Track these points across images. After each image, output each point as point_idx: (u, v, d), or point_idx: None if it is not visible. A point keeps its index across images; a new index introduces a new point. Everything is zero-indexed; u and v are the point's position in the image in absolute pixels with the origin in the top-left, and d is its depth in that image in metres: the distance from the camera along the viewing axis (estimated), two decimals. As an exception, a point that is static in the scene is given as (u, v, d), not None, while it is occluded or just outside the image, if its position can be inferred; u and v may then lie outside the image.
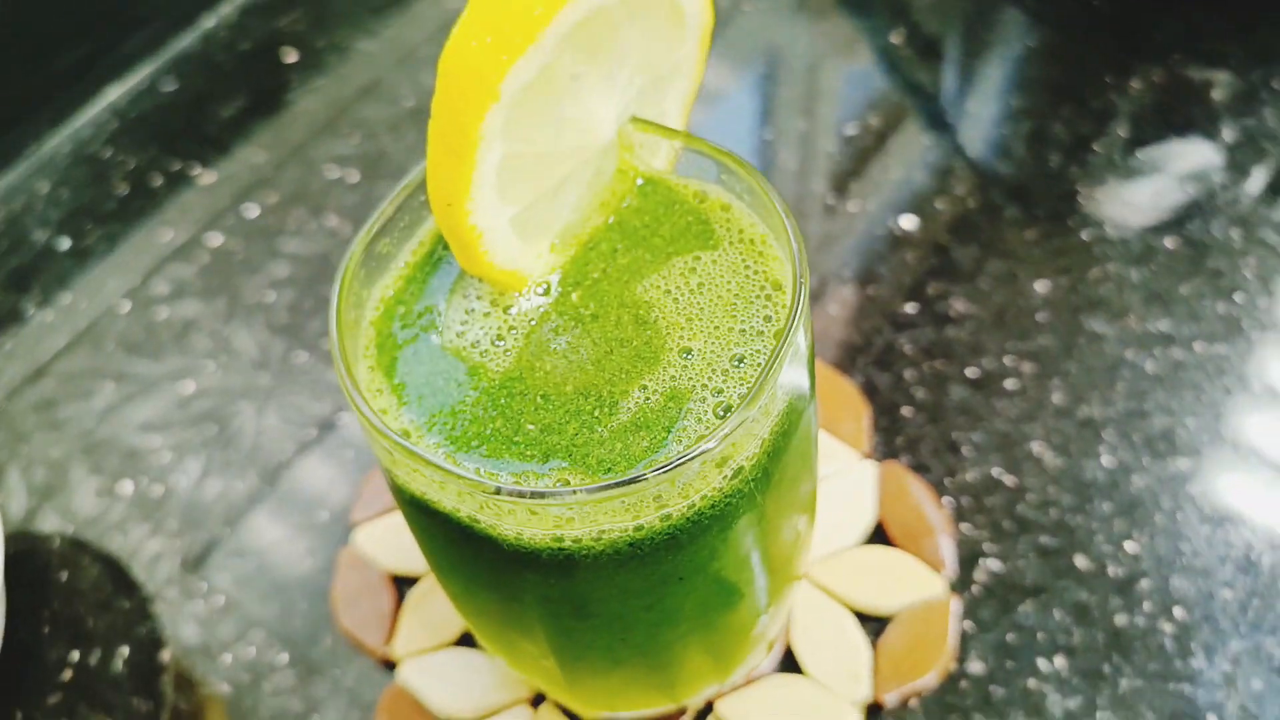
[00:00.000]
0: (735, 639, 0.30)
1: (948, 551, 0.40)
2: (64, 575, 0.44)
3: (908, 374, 0.45)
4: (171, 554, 0.43)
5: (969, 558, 0.40)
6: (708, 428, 0.23)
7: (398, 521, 0.41)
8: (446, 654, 0.38)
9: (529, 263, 0.25)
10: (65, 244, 0.54)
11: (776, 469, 0.24)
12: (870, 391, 0.44)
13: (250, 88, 0.59)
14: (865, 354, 0.45)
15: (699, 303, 0.25)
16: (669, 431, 0.23)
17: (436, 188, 0.23)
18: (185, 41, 0.62)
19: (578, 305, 0.25)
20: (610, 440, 0.23)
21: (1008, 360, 0.44)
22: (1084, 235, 0.48)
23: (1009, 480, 0.41)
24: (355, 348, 0.25)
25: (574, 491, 0.20)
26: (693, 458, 0.21)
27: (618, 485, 0.20)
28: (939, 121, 0.54)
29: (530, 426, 0.23)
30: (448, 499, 0.22)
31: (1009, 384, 0.44)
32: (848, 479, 0.41)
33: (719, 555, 0.24)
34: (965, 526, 0.40)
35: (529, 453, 0.23)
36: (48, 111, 0.58)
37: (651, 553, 0.22)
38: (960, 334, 0.45)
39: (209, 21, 0.63)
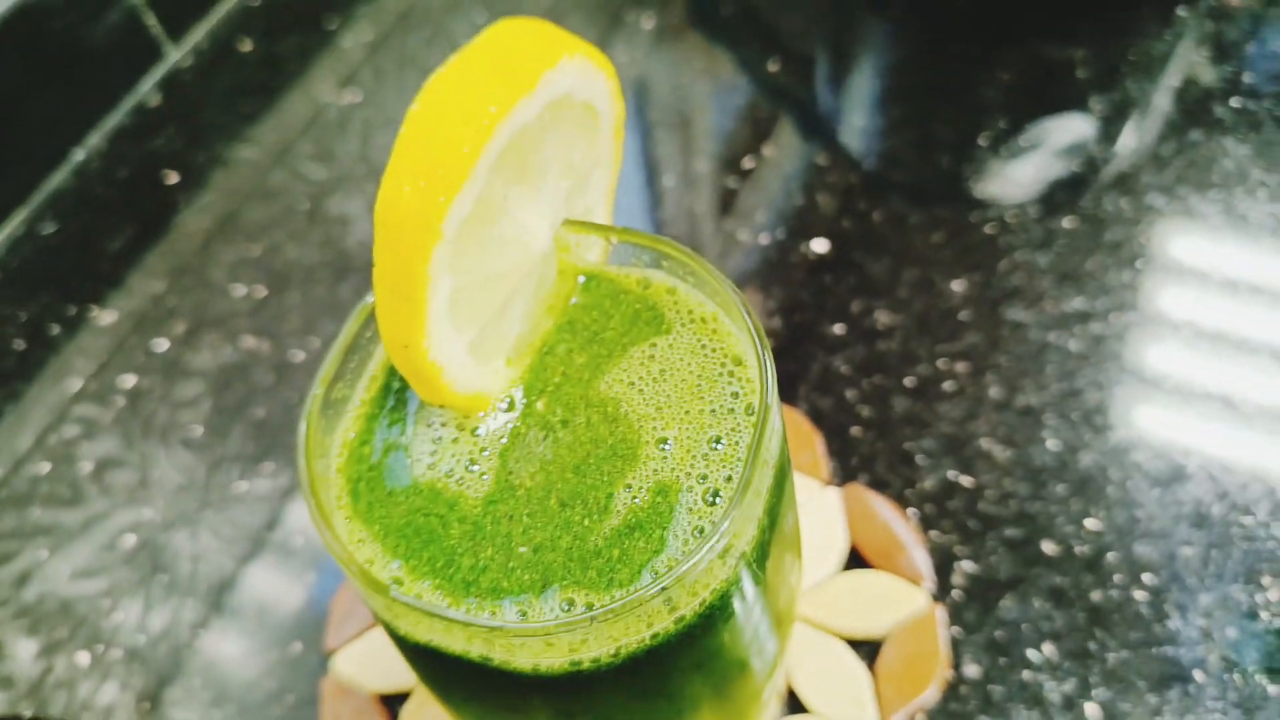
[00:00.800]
0: (751, 702, 0.30)
1: (923, 563, 0.41)
2: (31, 762, 0.42)
3: (849, 394, 0.45)
4: (129, 703, 0.41)
5: (943, 564, 0.41)
6: (701, 517, 0.23)
7: (378, 639, 0.40)
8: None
9: (488, 382, 0.25)
10: (-32, 412, 0.51)
11: (773, 540, 0.24)
12: (817, 418, 0.45)
13: (135, 215, 0.58)
14: (805, 381, 0.46)
15: (664, 390, 0.25)
16: (664, 529, 0.23)
17: (390, 332, 0.22)
18: (57, 179, 0.60)
19: (545, 413, 0.25)
20: (606, 549, 0.23)
21: (940, 363, 0.46)
22: (987, 229, 0.50)
23: (966, 480, 0.43)
24: (328, 500, 0.24)
25: (590, 620, 0.20)
26: (701, 557, 0.21)
27: (632, 601, 0.20)
28: (830, 143, 0.56)
29: (523, 549, 0.23)
30: (456, 643, 0.22)
31: (947, 386, 0.45)
32: (815, 509, 0.42)
33: (731, 635, 0.24)
34: (934, 534, 0.41)
35: (527, 578, 0.23)
36: (-79, 275, 0.55)
37: (668, 654, 0.22)
38: (891, 345, 0.47)
39: (79, 155, 0.61)
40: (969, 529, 0.41)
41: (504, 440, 0.25)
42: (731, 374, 0.25)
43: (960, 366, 0.46)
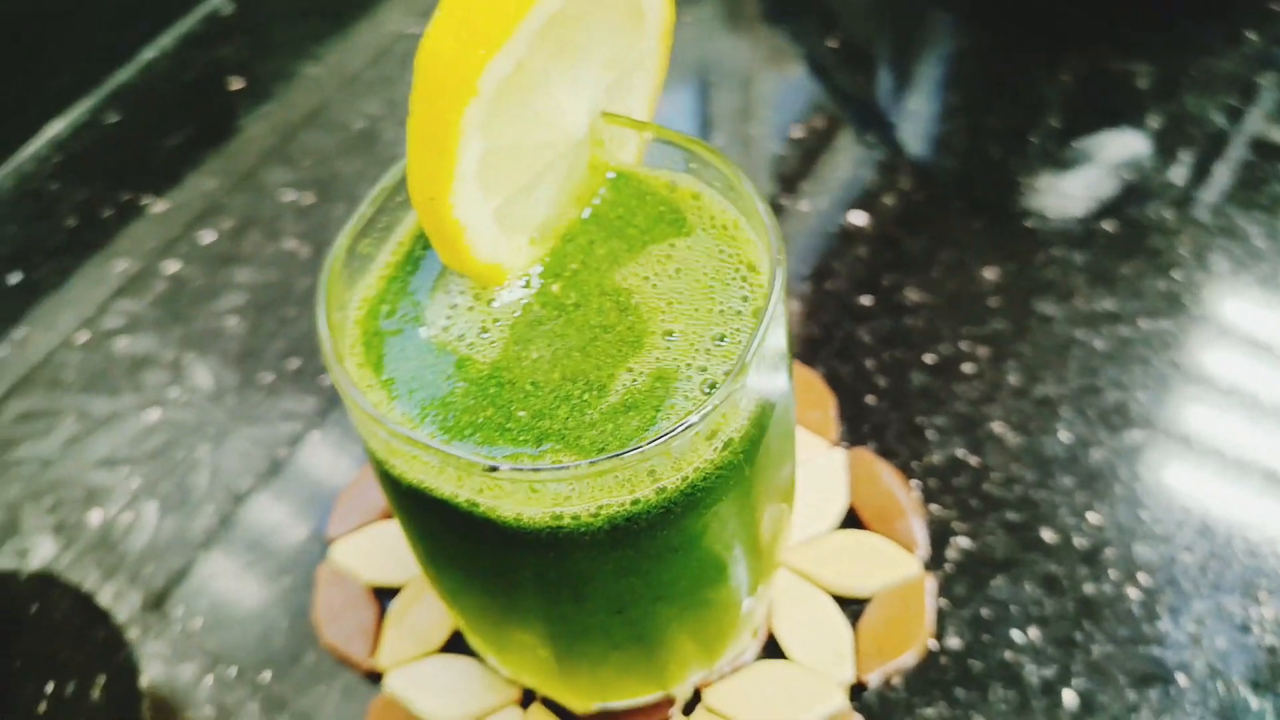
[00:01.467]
0: (725, 618, 0.31)
1: (919, 532, 0.41)
2: (33, 609, 0.43)
3: (869, 363, 0.46)
4: (141, 583, 0.42)
5: (940, 537, 0.41)
6: (695, 404, 0.23)
7: (376, 533, 0.41)
8: (433, 661, 0.37)
9: (509, 257, 0.26)
10: (16, 278, 0.53)
11: (762, 442, 0.25)
12: (834, 382, 0.45)
13: (196, 117, 0.59)
14: (827, 346, 0.46)
15: (677, 287, 0.25)
16: (658, 410, 0.23)
17: (418, 183, 0.23)
18: (125, 74, 0.61)
19: (559, 296, 0.26)
20: (601, 422, 0.23)
21: (963, 345, 0.46)
22: (1027, 223, 0.50)
23: (973, 460, 0.43)
24: (342, 346, 0.25)
25: (574, 466, 0.21)
26: (685, 429, 0.21)
27: (614, 458, 0.21)
28: (880, 121, 0.56)
29: (521, 413, 0.24)
30: (447, 484, 0.22)
31: (966, 368, 0.45)
32: (819, 467, 0.42)
33: (711, 527, 0.25)
34: (934, 507, 0.41)
35: (522, 438, 0.23)
36: (-14, 148, 0.57)
37: (647, 527, 0.23)
38: (916, 322, 0.47)
39: (148, 54, 0.62)
40: (970, 507, 0.41)
41: (516, 314, 0.25)
42: (745, 279, 0.26)
43: (982, 350, 0.46)
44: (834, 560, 0.40)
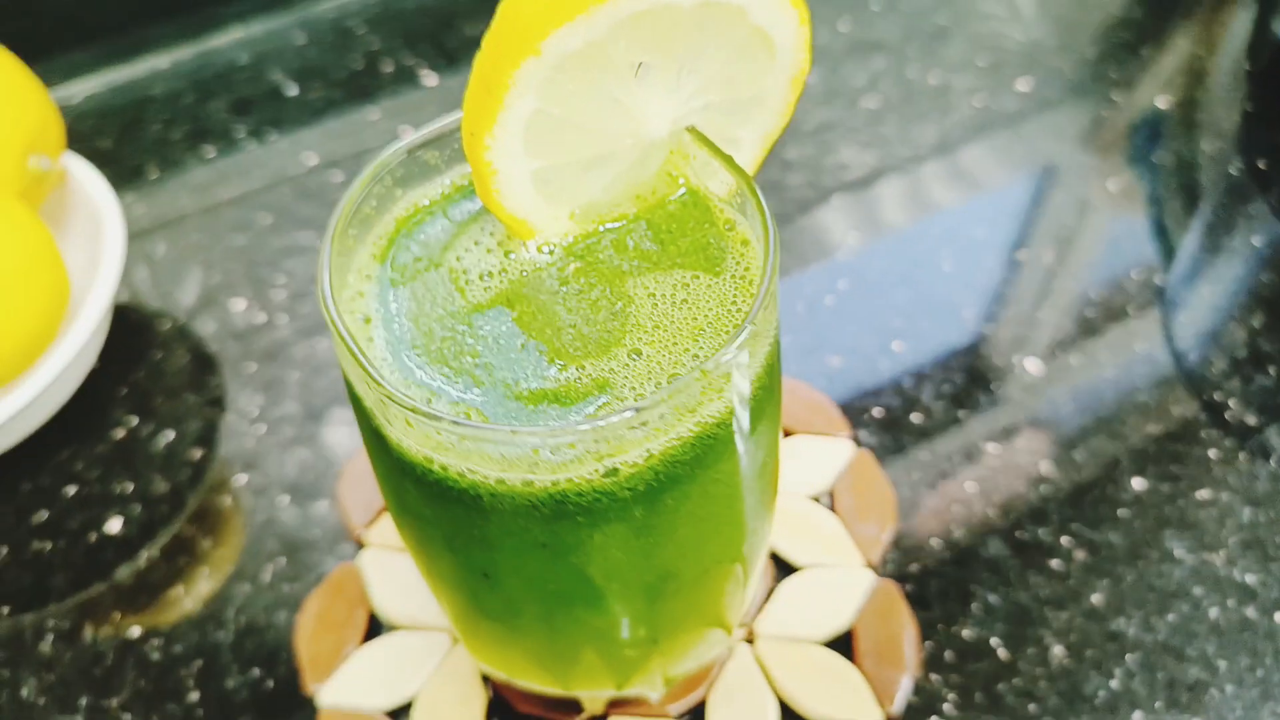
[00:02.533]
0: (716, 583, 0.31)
1: (903, 692, 0.38)
2: (159, 355, 0.50)
3: (955, 508, 0.42)
4: (265, 381, 0.48)
5: (922, 709, 0.37)
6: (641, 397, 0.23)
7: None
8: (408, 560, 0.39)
9: (544, 220, 0.26)
10: (293, 90, 0.60)
11: (751, 421, 0.25)
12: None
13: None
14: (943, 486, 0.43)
15: (674, 317, 0.25)
16: (604, 390, 0.23)
17: (467, 115, 0.24)
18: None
19: (570, 277, 0.26)
20: (578, 389, 0.24)
21: (1065, 540, 0.41)
22: (1210, 451, 0.44)
23: (1003, 654, 0.39)
24: (364, 231, 0.27)
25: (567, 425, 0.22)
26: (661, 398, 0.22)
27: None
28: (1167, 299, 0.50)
29: (469, 360, 0.25)
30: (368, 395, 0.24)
31: (1054, 563, 0.41)
32: (840, 575, 0.40)
33: (690, 496, 0.25)
34: (935, 677, 0.38)
35: (499, 376, 0.24)
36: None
37: (627, 473, 0.23)
38: (1039, 492, 0.43)
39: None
40: (973, 698, 0.38)
41: (524, 273, 0.26)
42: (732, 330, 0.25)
43: (1080, 554, 0.41)
44: (801, 671, 0.38)
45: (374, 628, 0.40)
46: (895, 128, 0.56)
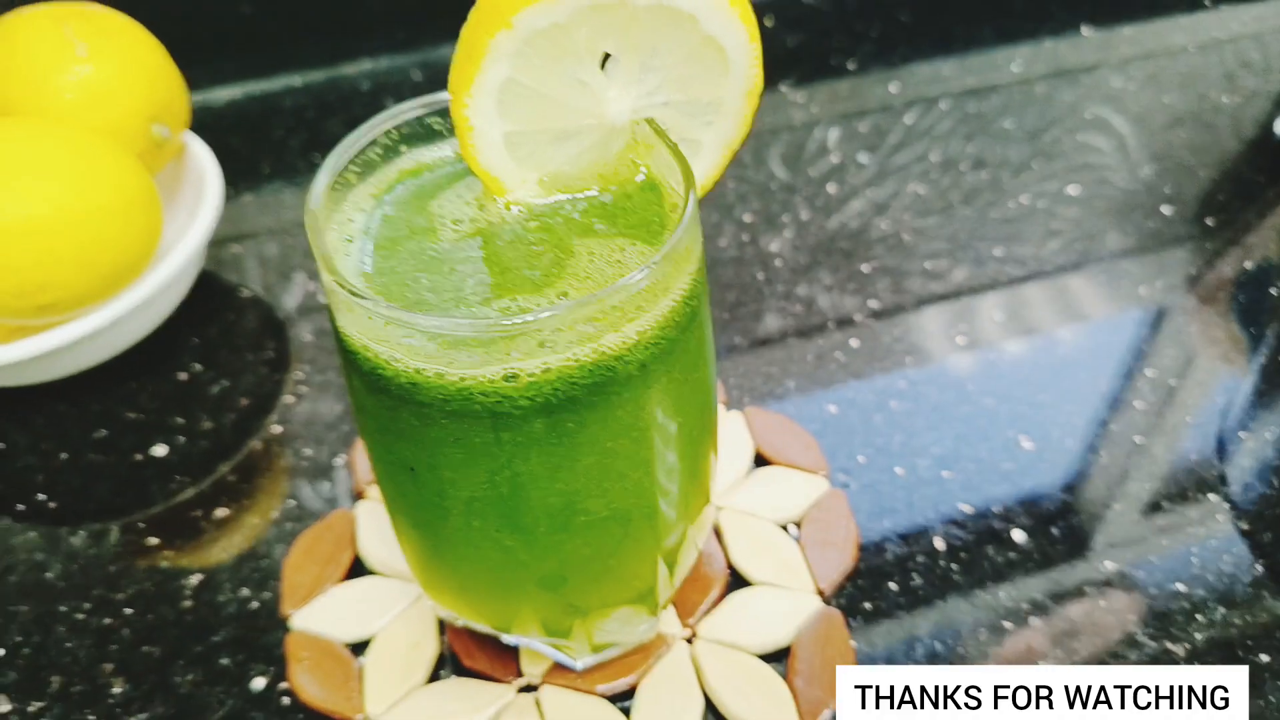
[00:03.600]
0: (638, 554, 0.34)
1: (826, 716, 0.39)
2: (232, 318, 0.56)
3: (919, 558, 0.43)
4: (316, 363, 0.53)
5: None
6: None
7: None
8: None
9: (514, 181, 0.30)
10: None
11: (681, 340, 0.29)
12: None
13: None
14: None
15: (605, 273, 0.29)
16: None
17: (452, 78, 0.29)
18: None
19: (527, 231, 0.30)
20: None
21: (1025, 609, 0.42)
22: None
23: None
24: (367, 173, 0.31)
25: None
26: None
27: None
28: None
29: (424, 280, 0.29)
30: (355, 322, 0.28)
31: (1008, 627, 0.41)
32: (790, 596, 0.42)
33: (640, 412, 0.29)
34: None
35: (409, 294, 0.28)
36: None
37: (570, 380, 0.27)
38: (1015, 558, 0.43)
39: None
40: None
41: (491, 223, 0.30)
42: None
43: (1038, 629, 0.41)
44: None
45: (355, 570, 0.44)
46: (989, 244, 0.57)
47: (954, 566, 0.43)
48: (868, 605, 0.42)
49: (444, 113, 0.32)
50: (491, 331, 0.25)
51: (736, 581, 0.43)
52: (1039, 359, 0.51)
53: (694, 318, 0.30)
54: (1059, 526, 0.44)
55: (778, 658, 0.40)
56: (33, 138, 0.44)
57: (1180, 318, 0.53)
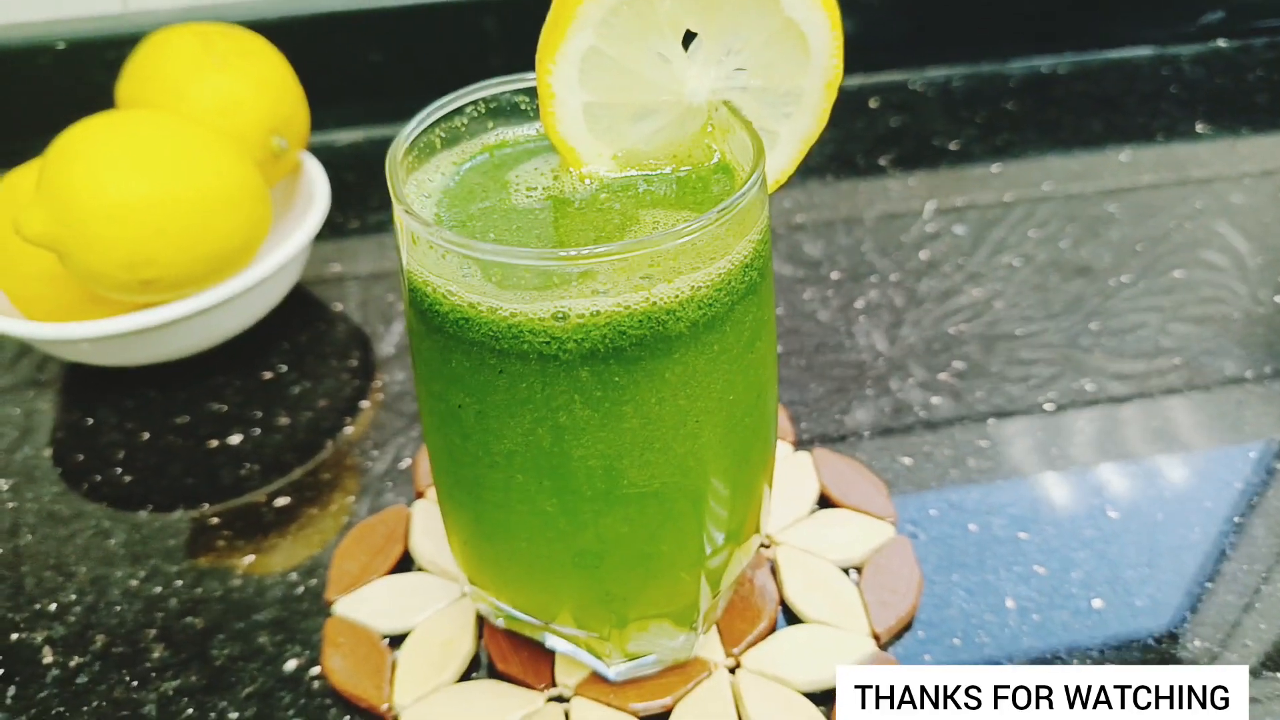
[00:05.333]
0: (681, 566, 0.33)
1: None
2: (322, 327, 0.58)
3: (988, 617, 0.41)
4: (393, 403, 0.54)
5: None
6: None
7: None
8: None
9: (590, 154, 0.31)
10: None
11: (748, 315, 0.29)
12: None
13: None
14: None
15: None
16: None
17: (540, 46, 0.30)
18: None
19: (598, 200, 0.30)
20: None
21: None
22: None
23: None
24: (452, 140, 0.33)
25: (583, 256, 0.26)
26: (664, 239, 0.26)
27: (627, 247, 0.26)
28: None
29: (492, 234, 0.29)
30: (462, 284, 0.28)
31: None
32: (842, 636, 0.40)
33: (698, 373, 0.29)
34: None
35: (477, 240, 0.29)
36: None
37: (629, 333, 0.27)
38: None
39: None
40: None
41: (562, 194, 0.31)
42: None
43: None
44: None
45: (403, 565, 0.43)
46: (1096, 357, 0.54)
47: (1024, 628, 0.40)
48: (928, 657, 0.39)
49: (531, 92, 0.33)
50: (544, 260, 0.26)
51: (788, 618, 0.41)
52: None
53: (752, 290, 0.29)
54: (1140, 598, 0.41)
55: (824, 699, 0.38)
56: (160, 127, 0.47)
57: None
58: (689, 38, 0.30)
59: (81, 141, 0.46)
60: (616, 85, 0.30)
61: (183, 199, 0.46)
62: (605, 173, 0.31)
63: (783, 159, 0.32)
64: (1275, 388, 0.51)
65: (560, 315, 0.26)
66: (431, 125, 0.32)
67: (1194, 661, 0.39)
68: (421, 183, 0.32)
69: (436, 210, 0.30)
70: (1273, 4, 0.83)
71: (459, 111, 0.33)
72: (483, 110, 0.33)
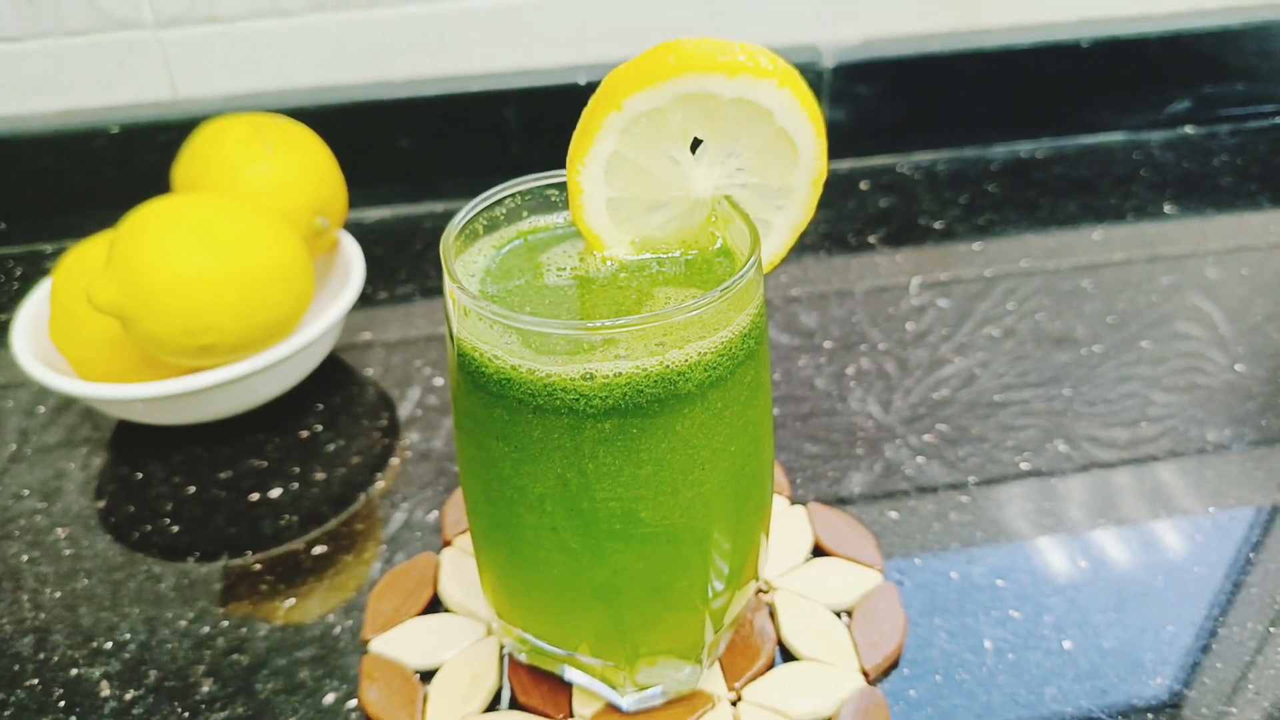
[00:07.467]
0: (688, 604, 0.37)
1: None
2: (355, 390, 0.62)
3: (968, 657, 0.45)
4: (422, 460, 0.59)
5: None
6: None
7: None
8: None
9: (612, 240, 0.36)
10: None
11: (745, 378, 0.33)
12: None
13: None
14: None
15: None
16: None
17: (571, 149, 0.35)
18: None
19: (618, 279, 0.35)
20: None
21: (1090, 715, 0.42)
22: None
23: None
24: (492, 228, 0.38)
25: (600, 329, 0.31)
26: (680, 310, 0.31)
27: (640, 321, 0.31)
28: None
29: (529, 307, 0.34)
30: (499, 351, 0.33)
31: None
32: (835, 673, 0.43)
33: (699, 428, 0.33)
34: None
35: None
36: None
37: (646, 391, 0.32)
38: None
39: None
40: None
41: (588, 273, 0.36)
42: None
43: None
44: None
45: (433, 607, 0.47)
46: (1069, 421, 0.58)
47: (1000, 667, 0.44)
48: (912, 692, 0.43)
49: (560, 186, 0.39)
50: (574, 330, 0.30)
51: (785, 656, 0.45)
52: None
53: (750, 355, 0.34)
54: (1108, 640, 0.45)
55: (819, 729, 0.42)
56: (219, 208, 0.53)
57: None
58: (696, 144, 0.35)
59: (149, 220, 0.51)
60: (635, 182, 0.35)
61: (239, 273, 0.51)
62: (624, 256, 0.36)
63: (776, 244, 0.37)
64: (1245, 449, 0.55)
65: (588, 376, 0.31)
66: (476, 215, 0.37)
67: (1157, 700, 0.42)
68: (468, 263, 0.36)
69: (481, 287, 0.35)
70: (1235, 94, 0.90)
71: (499, 203, 0.38)
72: (518, 202, 0.38)
